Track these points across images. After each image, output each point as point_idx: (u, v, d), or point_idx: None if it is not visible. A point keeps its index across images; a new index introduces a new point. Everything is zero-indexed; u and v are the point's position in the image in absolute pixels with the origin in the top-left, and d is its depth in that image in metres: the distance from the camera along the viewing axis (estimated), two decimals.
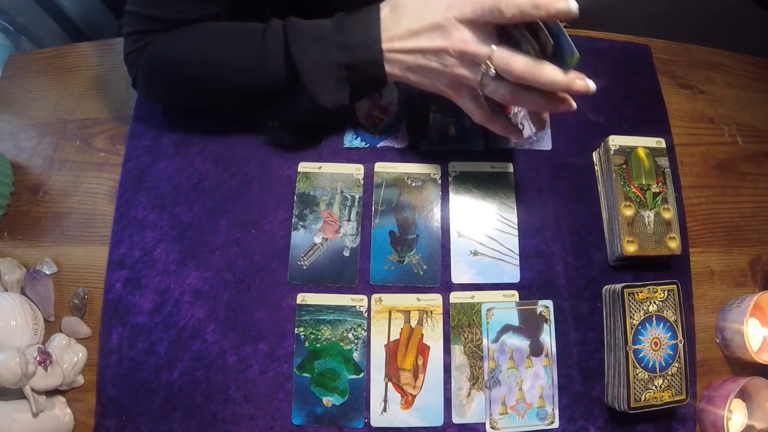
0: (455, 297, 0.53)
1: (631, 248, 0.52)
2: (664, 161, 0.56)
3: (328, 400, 0.51)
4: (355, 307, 0.53)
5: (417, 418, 0.50)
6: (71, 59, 0.67)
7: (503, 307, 0.53)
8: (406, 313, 0.53)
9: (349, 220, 0.56)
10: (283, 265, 0.54)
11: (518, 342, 0.52)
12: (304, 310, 0.53)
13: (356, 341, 0.52)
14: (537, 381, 0.52)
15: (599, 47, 0.65)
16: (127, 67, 0.55)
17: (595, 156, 0.59)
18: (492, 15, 0.40)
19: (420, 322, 0.53)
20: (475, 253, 0.55)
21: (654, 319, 0.50)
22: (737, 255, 0.59)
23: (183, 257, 0.55)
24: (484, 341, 0.52)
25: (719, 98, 0.65)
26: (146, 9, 0.51)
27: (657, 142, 0.56)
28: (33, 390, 0.48)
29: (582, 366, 0.52)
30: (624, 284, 0.51)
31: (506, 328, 0.53)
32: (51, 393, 0.52)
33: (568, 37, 0.40)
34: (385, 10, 0.45)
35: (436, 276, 0.54)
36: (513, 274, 0.54)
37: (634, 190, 0.54)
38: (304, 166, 0.58)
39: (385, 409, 0.50)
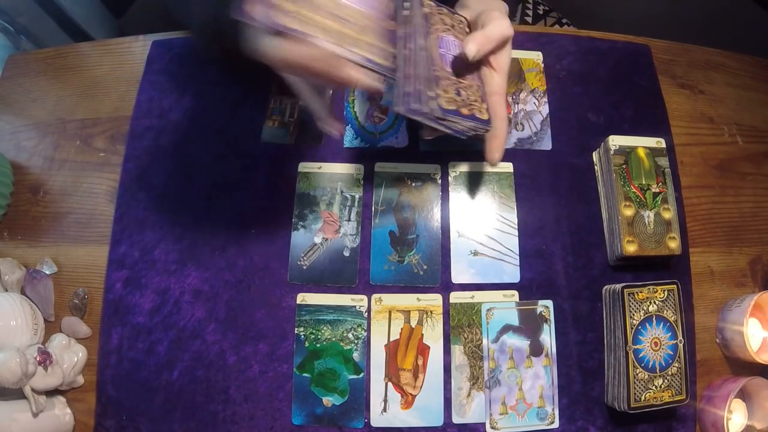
0: (455, 297, 0.53)
1: (631, 248, 0.52)
2: (664, 161, 0.56)
3: (328, 400, 0.51)
4: (355, 307, 0.53)
5: (417, 418, 0.50)
6: (71, 59, 0.67)
7: (503, 307, 0.53)
8: (406, 313, 0.53)
9: (349, 220, 0.56)
10: (283, 265, 0.54)
11: (518, 342, 0.52)
12: (304, 310, 0.53)
13: (356, 341, 0.52)
14: (537, 381, 0.52)
15: (599, 47, 0.65)
16: None
17: (595, 156, 0.59)
18: None
19: (420, 322, 0.53)
20: (475, 253, 0.55)
21: (654, 319, 0.50)
22: (737, 255, 0.59)
23: (183, 257, 0.55)
24: (484, 341, 0.52)
25: (719, 98, 0.65)
26: None
27: (657, 142, 0.56)
28: (33, 390, 0.48)
29: (582, 366, 0.52)
30: (624, 284, 0.51)
31: (506, 328, 0.53)
32: (51, 393, 0.52)
33: None
34: None
35: (436, 276, 0.54)
36: (513, 274, 0.54)
37: (634, 190, 0.54)
38: (304, 166, 0.58)
39: (385, 409, 0.50)
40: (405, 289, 0.54)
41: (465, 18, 0.51)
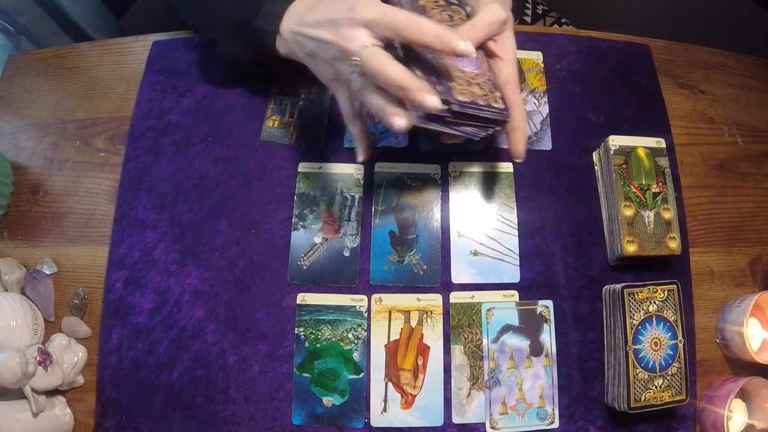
0: (455, 297, 0.53)
1: (631, 248, 0.52)
2: (664, 161, 0.56)
3: (328, 400, 0.51)
4: (355, 307, 0.53)
5: (417, 418, 0.50)
6: (71, 59, 0.67)
7: (503, 307, 0.53)
8: (406, 313, 0.53)
9: (349, 220, 0.56)
10: (283, 265, 0.54)
11: (518, 342, 0.52)
12: (304, 310, 0.53)
13: (356, 341, 0.52)
14: (537, 381, 0.52)
15: (599, 47, 0.65)
16: None
17: (595, 156, 0.59)
18: (372, 26, 0.41)
19: (420, 322, 0.53)
20: (475, 253, 0.55)
21: (654, 319, 0.50)
22: (737, 255, 0.59)
23: (183, 257, 0.55)
24: (484, 341, 0.52)
25: (719, 98, 0.65)
26: None
27: (657, 142, 0.56)
28: (33, 390, 0.48)
29: (582, 366, 0.52)
30: (624, 284, 0.51)
31: (506, 328, 0.53)
32: (51, 393, 0.52)
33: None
34: (308, 1, 0.48)
35: (436, 276, 0.54)
36: (513, 274, 0.54)
37: (634, 190, 0.54)
38: (304, 166, 0.58)
39: (385, 409, 0.50)
40: (405, 289, 0.54)
41: (463, 8, 0.51)
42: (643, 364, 0.49)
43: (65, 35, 0.90)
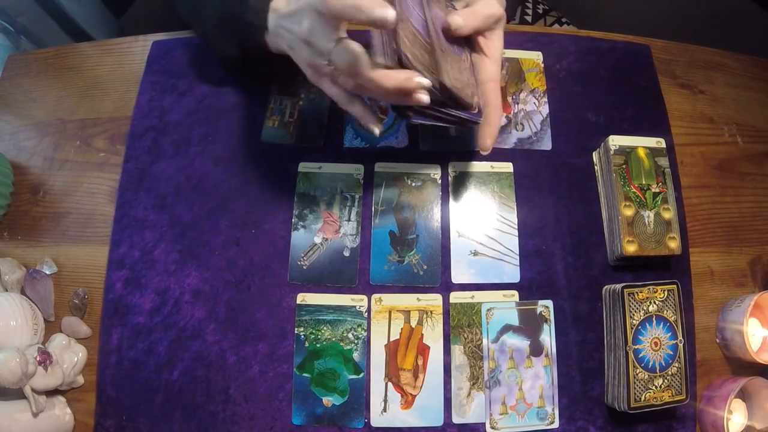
0: (455, 297, 0.53)
1: (631, 248, 0.52)
2: (664, 161, 0.56)
3: (328, 400, 0.51)
4: (355, 307, 0.53)
5: (417, 418, 0.50)
6: (71, 59, 0.67)
7: (503, 307, 0.53)
8: (406, 313, 0.53)
9: (349, 220, 0.56)
10: (283, 265, 0.54)
11: (518, 342, 0.52)
12: (304, 310, 0.53)
13: (356, 341, 0.52)
14: (537, 381, 0.52)
15: (599, 47, 0.65)
16: None
17: (595, 156, 0.59)
18: (321, 7, 0.40)
19: (420, 322, 0.53)
20: (475, 253, 0.55)
21: (654, 319, 0.50)
22: (737, 255, 0.59)
23: (183, 257, 0.55)
24: (484, 341, 0.52)
25: (719, 98, 0.65)
26: None
27: (657, 142, 0.56)
28: (33, 390, 0.48)
29: (582, 366, 0.52)
30: (624, 284, 0.51)
31: (506, 328, 0.53)
32: (51, 393, 0.52)
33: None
34: None
35: (436, 276, 0.54)
36: (513, 274, 0.54)
37: (634, 190, 0.54)
38: (304, 166, 0.58)
39: (385, 409, 0.50)
40: (405, 289, 0.54)
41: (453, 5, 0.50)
42: (643, 364, 0.49)
43: (65, 35, 0.90)
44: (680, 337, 0.50)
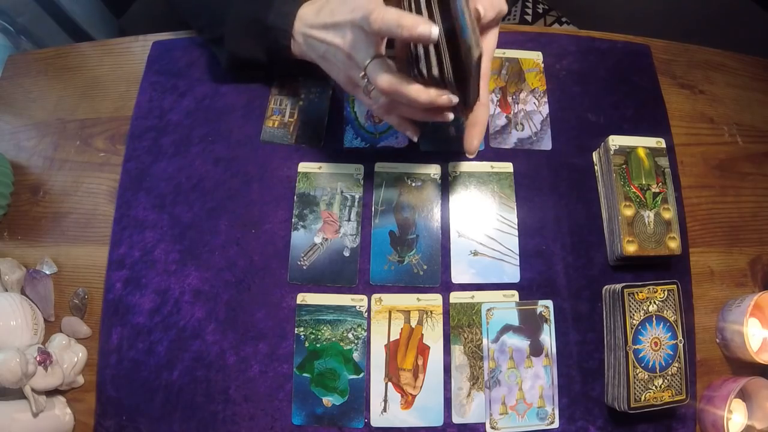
0: (455, 297, 0.53)
1: (631, 248, 0.52)
2: (664, 161, 0.56)
3: (328, 400, 0.51)
4: (355, 307, 0.53)
5: (417, 418, 0.50)
6: (71, 59, 0.67)
7: (503, 307, 0.53)
8: (406, 313, 0.53)
9: (349, 220, 0.56)
10: (283, 265, 0.54)
11: (518, 342, 0.52)
12: (304, 310, 0.53)
13: (356, 341, 0.52)
14: (537, 381, 0.52)
15: (599, 47, 0.65)
16: None
17: (595, 156, 0.59)
18: (364, 24, 0.41)
19: (420, 322, 0.53)
20: (475, 253, 0.55)
21: (654, 319, 0.50)
22: (737, 255, 0.59)
23: (183, 257, 0.55)
24: (484, 341, 0.52)
25: (719, 98, 0.65)
26: None
27: (657, 142, 0.56)
28: (33, 390, 0.48)
29: (582, 366, 0.52)
30: (624, 284, 0.51)
31: (506, 328, 0.53)
32: (51, 393, 0.52)
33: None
34: (318, 3, 0.49)
35: (436, 276, 0.54)
36: (513, 274, 0.54)
37: (634, 190, 0.54)
38: (304, 166, 0.58)
39: (385, 409, 0.50)
40: (405, 289, 0.54)
41: None
42: (643, 364, 0.49)
43: (65, 35, 0.90)
44: (680, 337, 0.50)
